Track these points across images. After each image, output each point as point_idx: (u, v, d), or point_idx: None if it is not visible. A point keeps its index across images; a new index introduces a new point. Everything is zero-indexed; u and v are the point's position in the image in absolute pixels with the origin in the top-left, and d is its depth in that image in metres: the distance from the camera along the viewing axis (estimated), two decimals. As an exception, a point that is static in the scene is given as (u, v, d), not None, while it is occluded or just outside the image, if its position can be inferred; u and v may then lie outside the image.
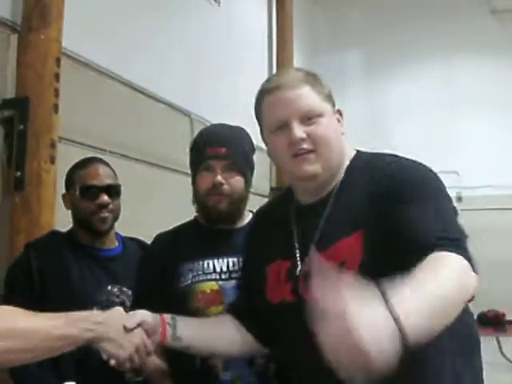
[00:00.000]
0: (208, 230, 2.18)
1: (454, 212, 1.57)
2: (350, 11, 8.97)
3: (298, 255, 1.71)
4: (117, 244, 2.57)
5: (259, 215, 2.02)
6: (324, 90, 1.72)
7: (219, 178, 2.07)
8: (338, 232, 1.62)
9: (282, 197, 1.91)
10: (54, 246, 2.43)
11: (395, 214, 1.52)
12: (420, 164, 1.67)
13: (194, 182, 2.17)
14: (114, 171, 2.57)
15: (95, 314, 1.61)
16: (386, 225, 1.53)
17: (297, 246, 1.72)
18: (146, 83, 4.64)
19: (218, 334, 1.88)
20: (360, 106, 8.74)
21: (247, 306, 1.90)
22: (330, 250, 1.62)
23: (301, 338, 1.57)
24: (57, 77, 3.32)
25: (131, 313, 1.73)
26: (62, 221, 2.89)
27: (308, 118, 1.66)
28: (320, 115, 1.67)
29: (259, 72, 7.35)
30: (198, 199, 2.15)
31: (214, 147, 2.09)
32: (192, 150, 2.21)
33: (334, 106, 1.75)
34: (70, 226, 2.62)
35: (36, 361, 1.55)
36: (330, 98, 1.73)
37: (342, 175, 1.72)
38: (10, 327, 1.44)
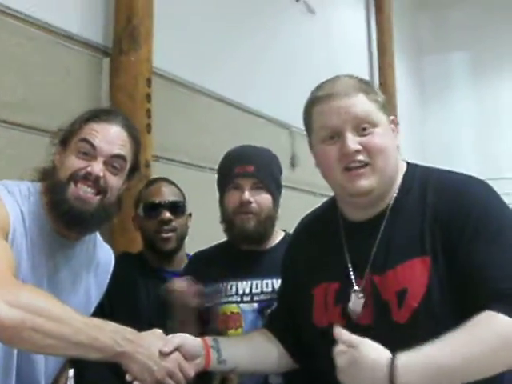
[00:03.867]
0: (236, 251, 2.15)
1: None
2: (454, 11, 8.68)
3: (352, 277, 1.59)
4: None
5: (302, 230, 1.88)
6: (378, 99, 1.59)
7: (247, 195, 2.05)
8: (395, 256, 1.52)
9: (325, 210, 1.78)
10: (124, 268, 2.41)
11: (462, 252, 1.45)
12: (478, 183, 1.56)
13: (221, 202, 2.15)
14: (180, 190, 2.56)
15: (129, 331, 1.53)
16: (454, 260, 1.46)
17: (350, 266, 1.60)
18: (242, 98, 4.63)
19: (258, 353, 1.81)
20: (467, 108, 8.44)
21: (286, 325, 1.81)
22: (388, 274, 1.52)
23: None
24: (148, 97, 3.37)
25: (170, 336, 1.66)
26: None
27: (362, 129, 1.54)
28: (375, 125, 1.55)
29: (360, 79, 7.24)
30: (226, 218, 2.12)
31: (243, 166, 2.08)
32: (220, 170, 2.19)
33: (388, 115, 1.61)
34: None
35: (59, 355, 1.50)
36: (384, 108, 1.60)
37: (396, 192, 1.59)
38: (46, 307, 1.42)
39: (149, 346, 1.55)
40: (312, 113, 1.63)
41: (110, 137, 1.72)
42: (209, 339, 1.74)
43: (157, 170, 3.42)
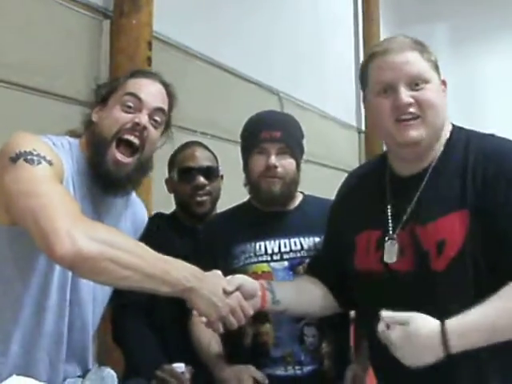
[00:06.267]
0: (260, 212, 2.21)
1: None
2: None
3: (390, 225, 1.70)
4: None
5: (350, 181, 1.98)
6: (431, 58, 1.70)
7: (273, 160, 2.10)
8: (437, 209, 1.62)
9: (375, 165, 1.88)
10: (159, 227, 2.47)
11: (501, 214, 1.54)
12: None
13: (245, 166, 2.20)
14: (213, 154, 2.60)
15: (195, 269, 1.61)
16: (493, 220, 1.55)
17: (390, 216, 1.71)
18: (235, 63, 4.67)
19: (307, 296, 1.92)
20: (448, 79, 8.51)
21: (330, 270, 1.92)
22: (429, 226, 1.62)
23: (385, 306, 1.60)
24: (149, 60, 3.40)
25: (230, 277, 1.74)
26: (159, 204, 2.95)
27: (415, 84, 1.63)
28: (427, 81, 1.65)
29: (346, 48, 7.29)
30: (251, 182, 2.18)
31: (269, 131, 2.12)
32: (245, 134, 2.24)
33: (439, 75, 1.72)
34: (167, 208, 2.67)
35: (133, 288, 1.54)
36: (436, 67, 1.70)
37: (442, 149, 1.69)
38: (122, 241, 1.51)
39: (213, 283, 1.63)
40: (368, 67, 1.71)
41: (153, 91, 1.80)
42: (263, 282, 1.84)
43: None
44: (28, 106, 3.06)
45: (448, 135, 1.71)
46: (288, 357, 2.06)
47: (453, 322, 1.47)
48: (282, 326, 2.05)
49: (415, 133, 1.62)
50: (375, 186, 1.79)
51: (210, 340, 2.06)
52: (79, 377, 1.71)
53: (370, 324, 1.78)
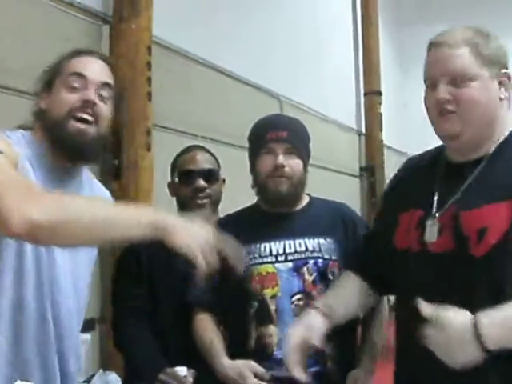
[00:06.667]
0: (267, 213, 2.22)
1: None
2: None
3: (435, 206, 1.71)
4: None
5: (406, 165, 2.00)
6: (485, 53, 1.66)
7: (281, 159, 2.11)
8: (484, 196, 1.63)
9: (434, 151, 1.90)
10: None
11: None
12: None
13: (253, 167, 2.22)
14: (214, 157, 2.62)
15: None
16: None
17: (435, 197, 1.73)
18: (234, 67, 4.67)
19: (351, 303, 1.95)
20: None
21: (366, 254, 1.95)
22: (473, 212, 1.63)
23: (420, 286, 1.65)
24: (149, 65, 3.39)
25: (301, 331, 1.81)
26: (161, 207, 2.94)
27: (460, 81, 1.64)
28: (472, 79, 1.64)
29: (345, 50, 7.30)
30: (259, 182, 2.19)
31: (276, 131, 2.14)
32: (252, 136, 2.25)
33: (500, 69, 1.69)
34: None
35: (107, 239, 1.54)
36: (490, 62, 1.67)
37: (498, 142, 1.71)
38: (82, 198, 1.61)
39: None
40: (426, 59, 1.74)
41: (97, 67, 1.80)
42: (323, 309, 1.86)
43: (156, 139, 3.46)
44: (26, 112, 3.05)
45: (507, 132, 1.72)
46: None
47: (485, 317, 1.48)
48: (285, 328, 2.05)
49: (449, 127, 1.66)
50: (428, 170, 1.82)
51: (212, 337, 2.08)
52: (84, 382, 1.70)
53: (403, 308, 1.79)
